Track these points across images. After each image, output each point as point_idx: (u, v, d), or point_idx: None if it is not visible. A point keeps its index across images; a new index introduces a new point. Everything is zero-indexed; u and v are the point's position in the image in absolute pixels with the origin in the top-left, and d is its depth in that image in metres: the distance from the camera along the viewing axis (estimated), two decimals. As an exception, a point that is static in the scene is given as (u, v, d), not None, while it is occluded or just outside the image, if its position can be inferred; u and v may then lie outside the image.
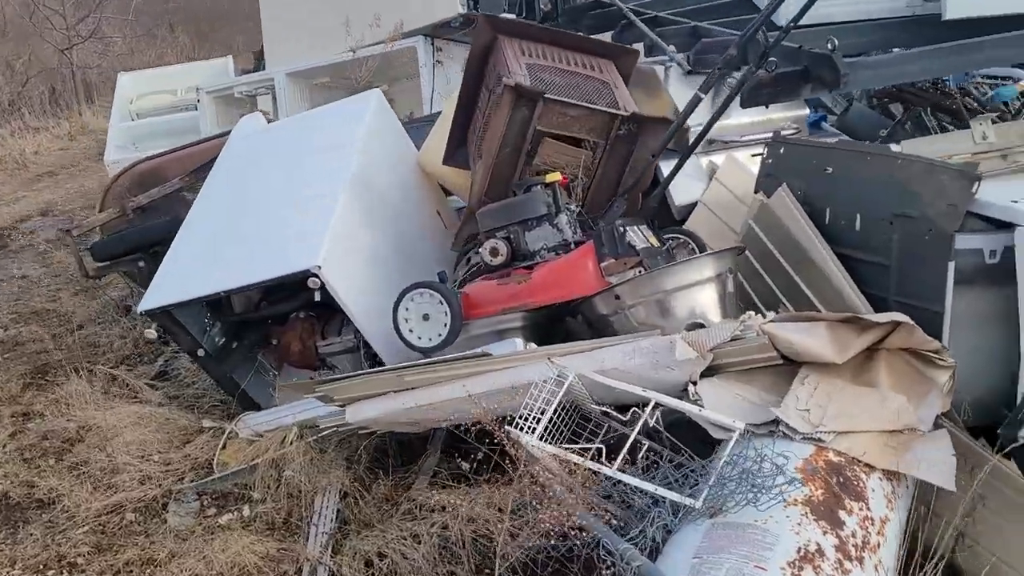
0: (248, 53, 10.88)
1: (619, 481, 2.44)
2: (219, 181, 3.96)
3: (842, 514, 2.28)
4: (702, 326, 2.84)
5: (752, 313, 2.72)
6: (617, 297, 2.88)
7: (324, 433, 3.48)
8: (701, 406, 2.56)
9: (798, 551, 2.11)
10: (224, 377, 3.79)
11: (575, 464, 2.52)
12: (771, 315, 2.76)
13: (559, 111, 3.33)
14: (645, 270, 2.90)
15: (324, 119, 3.97)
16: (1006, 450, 2.65)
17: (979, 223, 2.81)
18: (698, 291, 2.87)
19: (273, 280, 3.29)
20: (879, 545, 2.30)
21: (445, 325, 3.06)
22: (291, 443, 3.51)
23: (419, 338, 3.12)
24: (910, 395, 2.66)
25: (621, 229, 2.90)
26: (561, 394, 2.59)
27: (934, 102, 4.32)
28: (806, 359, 2.73)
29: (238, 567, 3.05)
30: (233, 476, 3.52)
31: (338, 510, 3.28)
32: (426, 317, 3.10)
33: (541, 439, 2.54)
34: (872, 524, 2.34)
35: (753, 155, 3.90)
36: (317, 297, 3.45)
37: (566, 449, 2.55)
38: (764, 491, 2.24)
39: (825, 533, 2.19)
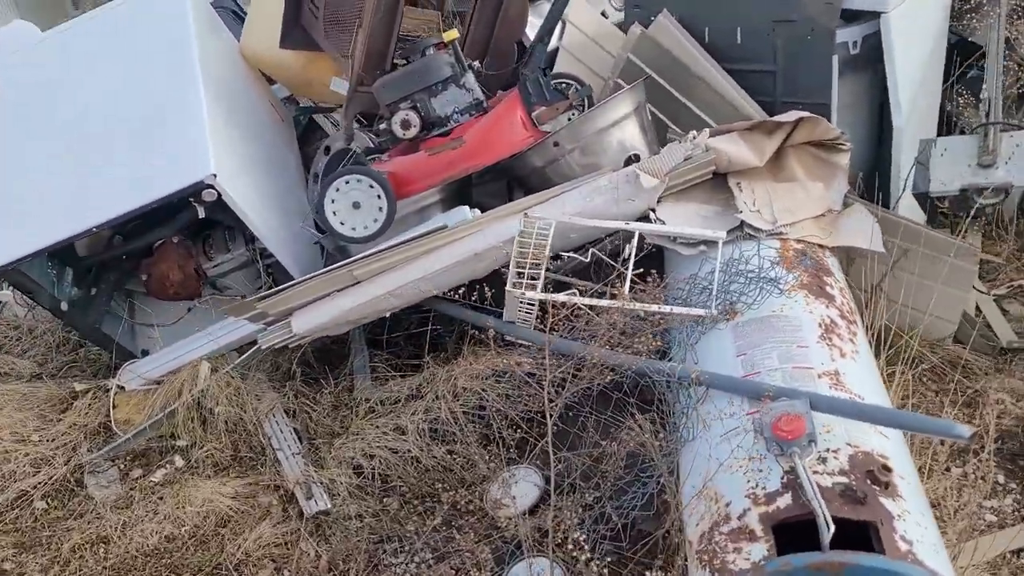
0: None
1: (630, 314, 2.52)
2: (9, 112, 3.27)
3: (828, 288, 2.55)
4: (638, 157, 2.94)
5: (695, 132, 2.84)
6: (556, 144, 2.86)
7: (246, 359, 3.19)
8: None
9: (819, 325, 2.34)
10: (92, 330, 3.29)
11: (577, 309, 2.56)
12: (693, 133, 2.90)
13: (430, -36, 3.13)
14: (576, 112, 2.90)
15: (132, 18, 3.36)
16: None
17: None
18: (625, 125, 2.94)
19: (161, 200, 2.86)
20: (854, 307, 2.63)
21: (381, 210, 2.87)
22: (205, 380, 3.18)
23: (353, 228, 2.91)
24: (823, 181, 2.99)
25: (545, 74, 2.85)
26: (549, 244, 2.58)
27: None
28: (733, 168, 2.94)
29: (215, 514, 2.78)
30: (149, 430, 3.13)
31: (294, 428, 3.07)
32: (356, 205, 2.88)
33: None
34: (845, 290, 2.66)
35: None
36: (201, 214, 3.08)
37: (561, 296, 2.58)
38: (771, 283, 2.44)
39: (827, 306, 2.45)
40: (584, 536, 2.22)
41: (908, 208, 3.28)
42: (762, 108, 3.22)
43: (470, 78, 3.01)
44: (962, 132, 3.44)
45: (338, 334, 3.06)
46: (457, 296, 2.77)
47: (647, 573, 2.14)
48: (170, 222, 3.12)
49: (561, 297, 2.51)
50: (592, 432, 2.57)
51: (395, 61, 3.26)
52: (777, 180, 2.98)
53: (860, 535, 1.76)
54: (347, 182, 2.86)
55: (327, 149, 3.80)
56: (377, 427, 2.94)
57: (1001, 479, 2.57)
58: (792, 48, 3.12)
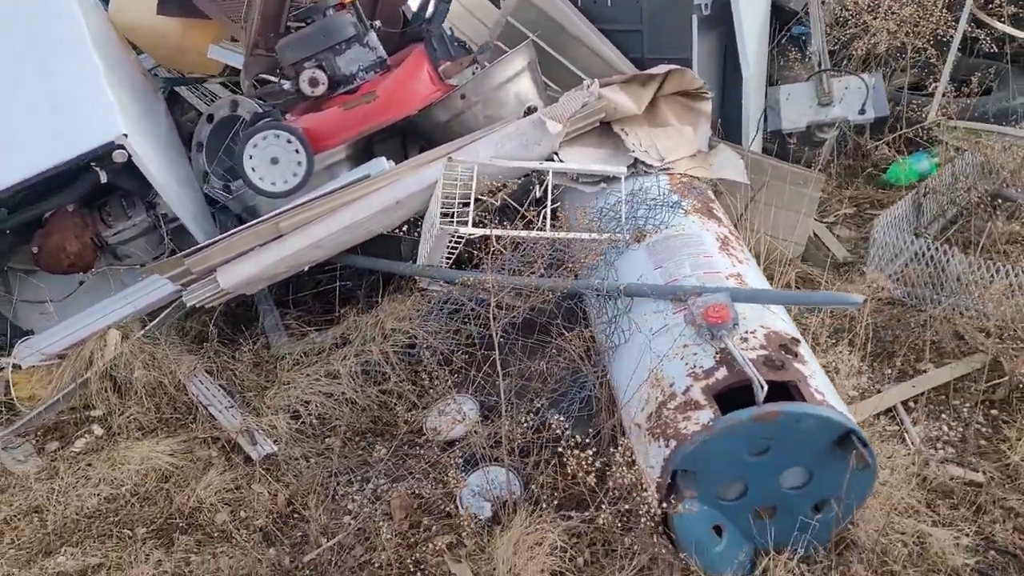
0: None
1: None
2: None
3: (713, 211, 2.95)
4: (534, 109, 3.21)
5: (590, 81, 3.15)
6: (463, 96, 3.08)
7: (162, 320, 3.18)
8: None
9: (717, 239, 2.73)
10: (-18, 310, 3.14)
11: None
12: (587, 82, 3.21)
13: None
14: (480, 67, 3.13)
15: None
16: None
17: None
18: (521, 79, 3.20)
19: (67, 164, 2.81)
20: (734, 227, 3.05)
21: (300, 164, 2.97)
22: (116, 347, 3.14)
23: (272, 184, 2.98)
24: (691, 125, 3.40)
25: (450, 31, 3.05)
26: (475, 185, 2.80)
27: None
28: (617, 116, 3.28)
29: (156, 471, 2.79)
30: (62, 401, 3.05)
31: (221, 385, 3.10)
32: (275, 161, 2.96)
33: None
34: (724, 212, 3.07)
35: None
36: (104, 178, 3.03)
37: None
38: (675, 206, 2.80)
39: (719, 225, 2.85)
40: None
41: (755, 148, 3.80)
42: (633, 64, 3.60)
43: (373, 37, 3.16)
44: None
45: (254, 292, 3.12)
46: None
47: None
48: (67, 189, 3.03)
49: (498, 232, 2.73)
50: (522, 357, 2.84)
51: (288, 24, 3.34)
52: (652, 126, 3.36)
53: (783, 394, 2.14)
54: (264, 138, 2.93)
55: (210, 117, 3.80)
56: (308, 375, 3.04)
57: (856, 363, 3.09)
58: (656, 10, 3.52)
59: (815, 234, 3.77)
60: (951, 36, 3.93)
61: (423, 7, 3.54)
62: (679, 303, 2.42)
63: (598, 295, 2.59)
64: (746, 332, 2.28)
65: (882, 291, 3.11)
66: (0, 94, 2.94)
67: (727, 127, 3.68)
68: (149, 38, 3.77)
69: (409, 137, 3.45)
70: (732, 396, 2.15)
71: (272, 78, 3.37)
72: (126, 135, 2.81)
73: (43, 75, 2.95)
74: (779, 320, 2.39)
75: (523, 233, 2.72)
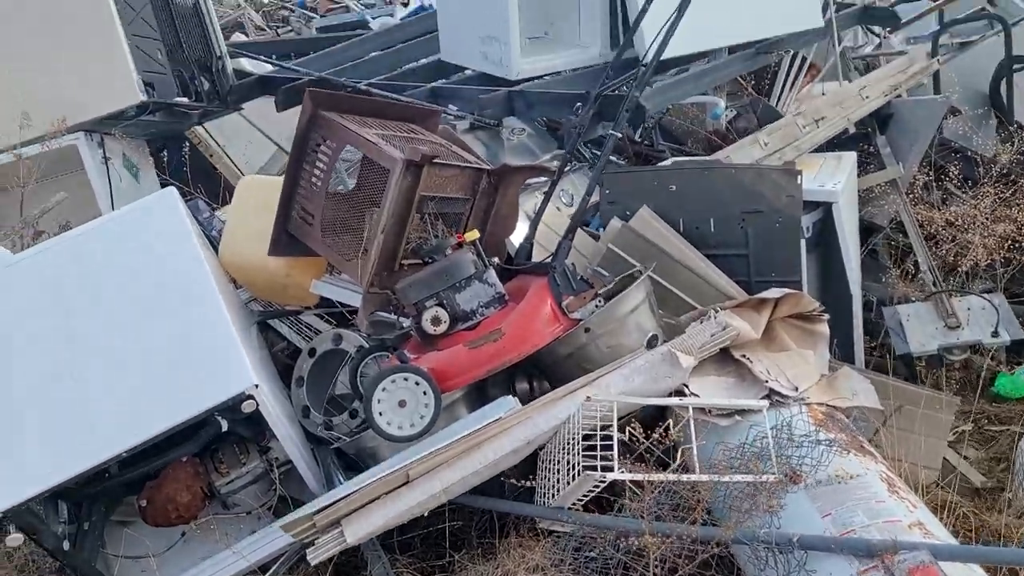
0: None
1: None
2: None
3: (863, 445, 2.81)
4: (656, 338, 3.16)
5: (715, 310, 3.11)
6: (587, 330, 3.04)
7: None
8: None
9: (882, 480, 2.57)
10: (91, 569, 2.95)
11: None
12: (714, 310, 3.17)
13: (436, 174, 3.33)
14: (603, 300, 3.11)
15: (126, 236, 3.25)
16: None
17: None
18: (641, 309, 3.17)
19: (198, 417, 2.73)
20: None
21: (427, 406, 2.89)
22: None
23: (399, 427, 2.89)
24: (812, 349, 3.33)
25: (572, 267, 3.06)
26: (615, 425, 2.69)
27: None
28: (737, 342, 3.22)
29: None
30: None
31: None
32: (402, 403, 2.88)
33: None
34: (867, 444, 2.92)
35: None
36: (225, 427, 2.94)
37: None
38: (829, 444, 2.65)
39: (876, 461, 2.70)
40: None
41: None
42: (740, 288, 3.59)
43: (491, 274, 3.17)
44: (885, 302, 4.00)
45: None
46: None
47: None
48: (189, 441, 2.93)
49: (651, 477, 2.58)
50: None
51: (401, 262, 3.38)
52: (771, 351, 3.30)
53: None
54: (393, 380, 2.87)
55: (312, 351, 3.77)
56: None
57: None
58: (763, 235, 3.54)
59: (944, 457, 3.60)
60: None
61: (526, 244, 3.60)
62: (866, 560, 2.22)
63: (765, 548, 2.40)
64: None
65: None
66: (125, 344, 2.91)
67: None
68: (256, 275, 3.82)
69: (519, 372, 3.37)
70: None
71: (385, 315, 3.36)
72: (257, 385, 2.75)
73: (171, 325, 2.94)
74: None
75: (680, 477, 2.58)
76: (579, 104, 3.78)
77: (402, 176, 3.14)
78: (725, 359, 3.21)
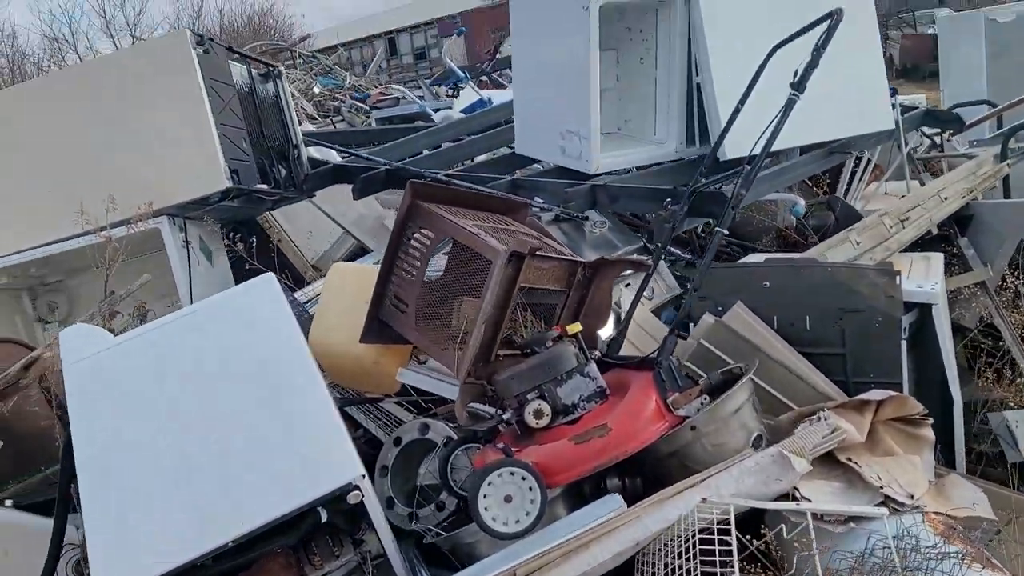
0: None
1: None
2: (102, 420, 3.03)
3: (991, 559, 2.69)
4: (761, 438, 3.09)
5: (824, 411, 3.05)
6: (693, 428, 2.98)
7: None
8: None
9: (1016, 595, 2.45)
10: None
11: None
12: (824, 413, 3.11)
13: (536, 266, 3.35)
14: (708, 397, 3.06)
15: (220, 316, 3.29)
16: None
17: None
18: (746, 409, 3.11)
19: (304, 507, 2.69)
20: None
21: (532, 502, 2.82)
22: None
23: (504, 524, 2.81)
24: (918, 454, 3.24)
25: (676, 362, 3.03)
26: (734, 529, 2.60)
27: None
28: (842, 445, 3.14)
29: None
30: None
31: None
32: (508, 499, 2.82)
33: None
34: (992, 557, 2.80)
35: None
36: (324, 518, 2.89)
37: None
38: (958, 555, 2.55)
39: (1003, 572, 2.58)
40: None
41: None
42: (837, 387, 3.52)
43: (593, 367, 3.14)
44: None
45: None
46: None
47: None
48: (287, 532, 2.87)
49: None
50: None
51: (497, 353, 3.37)
52: (875, 455, 3.21)
53: None
54: (500, 475, 2.81)
55: (397, 440, 3.73)
56: None
57: None
58: (860, 334, 3.50)
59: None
60: None
61: (618, 337, 3.58)
62: None
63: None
64: None
65: None
66: (229, 432, 2.89)
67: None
68: (343, 361, 3.83)
69: (611, 468, 3.29)
70: None
71: (480, 406, 3.33)
72: (364, 476, 2.71)
73: (275, 412, 2.92)
74: None
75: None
76: (668, 199, 3.82)
77: (504, 268, 3.16)
78: (830, 462, 3.12)
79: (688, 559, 2.60)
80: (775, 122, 3.19)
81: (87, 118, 5.01)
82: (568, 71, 4.72)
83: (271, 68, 5.97)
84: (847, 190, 5.96)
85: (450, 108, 9.38)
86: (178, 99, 4.88)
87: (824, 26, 3.25)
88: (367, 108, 12.10)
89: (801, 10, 4.42)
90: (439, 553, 3.34)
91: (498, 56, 14.09)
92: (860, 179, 6.00)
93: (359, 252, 6.33)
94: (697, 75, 4.80)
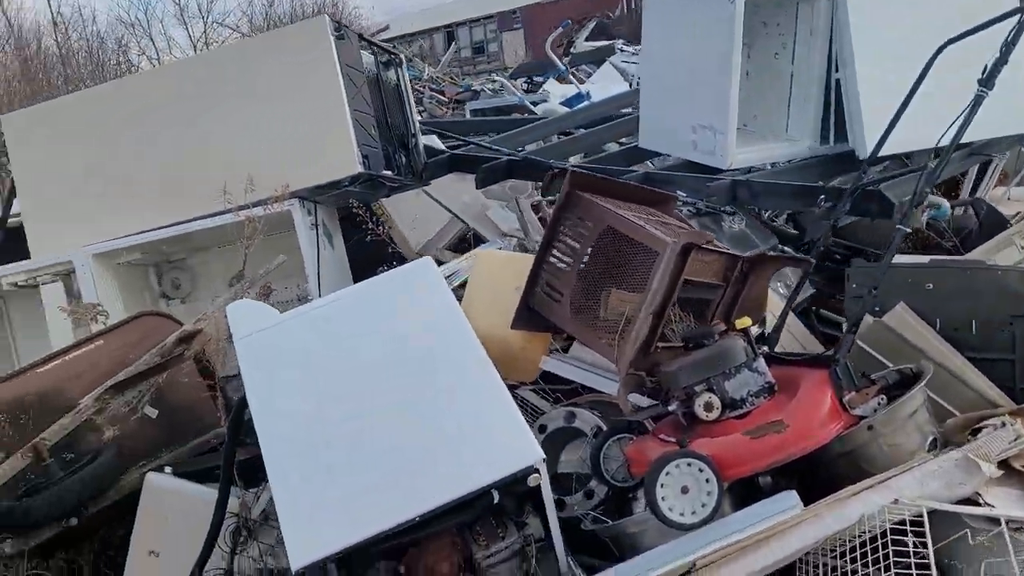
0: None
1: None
2: (278, 394, 3.10)
3: None
4: (937, 441, 3.02)
5: (1008, 417, 2.96)
6: (870, 428, 2.92)
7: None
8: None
9: None
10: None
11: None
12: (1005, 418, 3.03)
13: (699, 259, 3.31)
14: (887, 397, 2.99)
15: (387, 297, 3.33)
16: None
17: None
18: (922, 410, 3.04)
19: (486, 488, 2.72)
20: None
21: (709, 494, 2.80)
22: None
23: (681, 514, 2.79)
24: (1094, 464, 3.12)
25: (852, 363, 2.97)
26: (928, 534, 2.54)
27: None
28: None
29: None
30: None
31: None
32: (685, 490, 2.80)
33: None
34: None
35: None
36: (496, 499, 2.90)
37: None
38: None
39: None
40: None
41: None
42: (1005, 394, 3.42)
43: (761, 362, 3.10)
44: None
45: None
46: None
47: None
48: (462, 512, 2.89)
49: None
50: None
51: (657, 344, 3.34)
52: (1042, 464, 3.10)
53: None
54: (677, 466, 2.80)
55: (542, 428, 3.74)
56: None
57: None
58: (1029, 338, 3.40)
59: None
60: None
61: (774, 334, 3.52)
62: None
63: None
64: None
65: None
66: (409, 412, 2.93)
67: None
68: (489, 346, 3.79)
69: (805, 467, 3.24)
70: None
71: (640, 399, 3.31)
72: (544, 459, 2.72)
73: (451, 395, 2.96)
74: None
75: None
76: (823, 196, 3.75)
77: (674, 259, 3.14)
78: (1004, 469, 3.03)
79: (858, 560, 2.57)
80: (962, 118, 3.10)
81: (225, 102, 5.13)
82: (706, 64, 4.67)
83: (393, 56, 6.03)
84: (972, 193, 5.81)
85: (546, 101, 9.38)
86: (315, 84, 4.97)
87: (1013, 20, 3.15)
88: (447, 100, 12.18)
89: (945, 6, 4.34)
90: (585, 540, 3.34)
91: (572, 52, 14.01)
92: (988, 182, 5.84)
93: (457, 243, 6.37)
94: (836, 71, 4.70)
